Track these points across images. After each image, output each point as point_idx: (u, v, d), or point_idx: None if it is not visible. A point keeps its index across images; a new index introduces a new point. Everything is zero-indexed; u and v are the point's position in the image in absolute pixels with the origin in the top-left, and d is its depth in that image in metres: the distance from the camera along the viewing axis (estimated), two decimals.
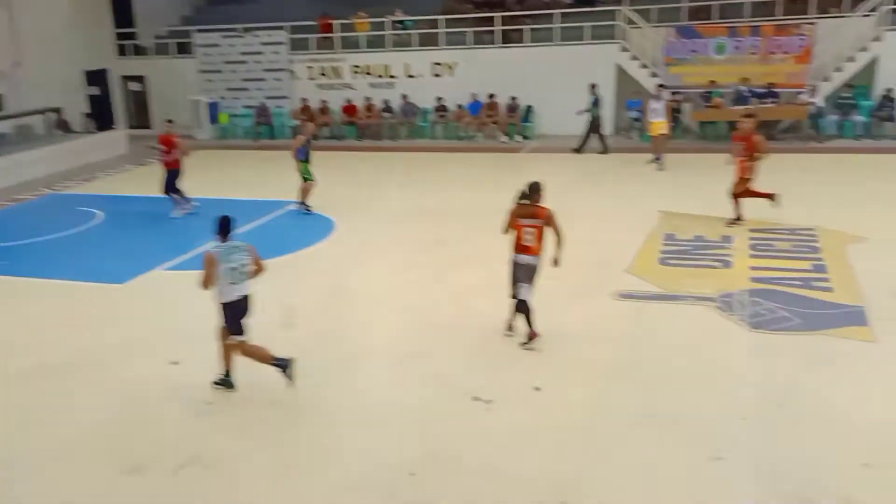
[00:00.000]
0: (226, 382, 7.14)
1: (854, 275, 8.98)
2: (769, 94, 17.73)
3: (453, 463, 5.85)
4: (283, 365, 6.98)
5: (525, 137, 19.66)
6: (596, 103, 17.47)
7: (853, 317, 7.88)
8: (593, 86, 17.52)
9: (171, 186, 13.63)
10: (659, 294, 8.86)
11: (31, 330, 8.74)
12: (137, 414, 6.85)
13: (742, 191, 11.08)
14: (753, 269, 9.42)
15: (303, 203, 13.37)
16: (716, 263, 9.69)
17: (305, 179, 13.26)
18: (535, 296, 8.39)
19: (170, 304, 9.33)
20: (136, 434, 6.51)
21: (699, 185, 14.04)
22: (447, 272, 9.84)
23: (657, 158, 15.63)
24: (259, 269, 7.04)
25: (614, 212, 12.58)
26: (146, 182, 17.00)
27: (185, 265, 10.80)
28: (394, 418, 6.57)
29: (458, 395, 6.80)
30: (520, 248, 7.56)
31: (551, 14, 20.01)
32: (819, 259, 9.61)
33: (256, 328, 8.47)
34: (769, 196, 11.09)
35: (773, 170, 14.77)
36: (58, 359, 7.95)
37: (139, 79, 23.73)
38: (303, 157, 13.12)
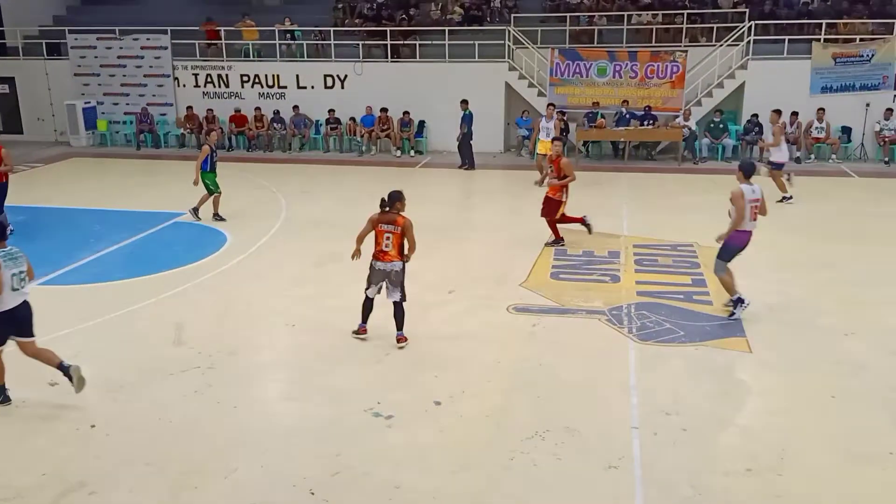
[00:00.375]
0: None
1: None
2: (647, 116, 18.68)
3: (355, 480, 5.79)
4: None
5: (418, 152, 19.81)
6: (467, 119, 17.80)
7: (731, 329, 8.39)
8: (464, 101, 17.91)
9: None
10: (552, 307, 9.12)
11: None
12: (15, 439, 6.41)
13: (558, 214, 11.35)
14: (639, 283, 9.86)
15: (195, 211, 13.08)
16: (605, 278, 10.09)
17: (210, 191, 12.96)
18: (434, 308, 8.51)
19: (43, 321, 8.72)
20: (13, 460, 6.08)
21: (586, 201, 14.54)
22: (342, 286, 9.72)
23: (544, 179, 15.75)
24: (31, 277, 6.91)
25: (508, 227, 12.87)
26: (17, 190, 15.95)
27: (62, 280, 10.23)
28: (293, 435, 6.45)
29: (358, 411, 6.75)
30: (378, 253, 7.94)
31: (441, 31, 20.31)
32: (699, 274, 10.18)
33: (144, 346, 8.14)
34: (581, 221, 11.42)
35: (653, 188, 15.64)
36: None
37: (8, 81, 22.21)
38: (207, 168, 12.81)
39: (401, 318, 8.08)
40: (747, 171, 8.58)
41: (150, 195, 15.41)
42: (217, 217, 13.03)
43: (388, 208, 7.86)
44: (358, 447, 6.22)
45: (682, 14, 20.26)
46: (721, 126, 18.61)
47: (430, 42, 20.40)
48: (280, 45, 20.88)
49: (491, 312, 8.99)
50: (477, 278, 10.19)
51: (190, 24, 21.20)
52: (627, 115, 18.70)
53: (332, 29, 21.03)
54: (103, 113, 21.56)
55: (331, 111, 20.08)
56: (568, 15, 20.78)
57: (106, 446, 6.27)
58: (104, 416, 6.72)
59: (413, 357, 7.91)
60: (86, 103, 21.27)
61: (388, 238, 7.82)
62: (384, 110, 19.65)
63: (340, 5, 22.55)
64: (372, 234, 8.02)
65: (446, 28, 20.38)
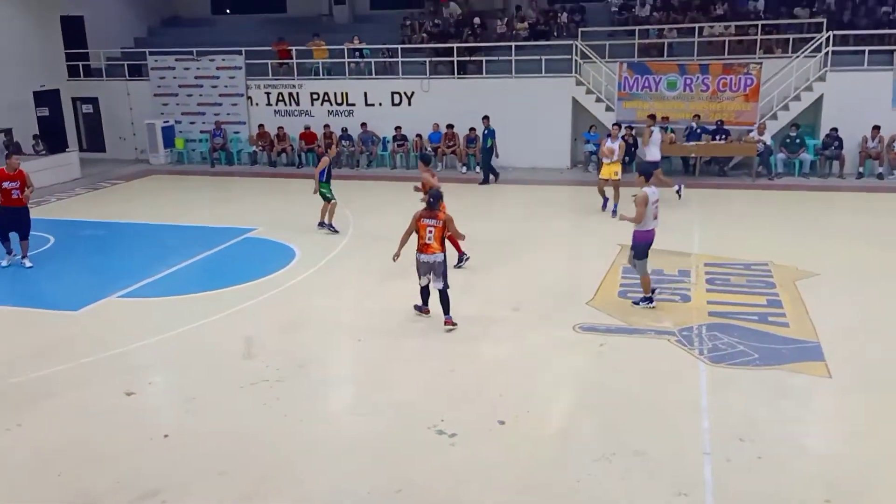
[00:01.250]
0: None
1: (807, 310, 9.20)
2: (719, 131, 18.23)
3: (418, 497, 5.79)
4: None
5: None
6: (491, 135, 17.91)
7: (809, 352, 8.06)
8: (486, 118, 17.96)
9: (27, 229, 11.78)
10: (620, 327, 8.94)
11: None
12: (91, 445, 6.63)
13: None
14: (711, 303, 9.56)
15: (328, 224, 13.59)
16: (674, 297, 9.82)
17: (327, 199, 13.55)
18: (499, 325, 8.47)
19: (125, 332, 9.09)
20: (90, 466, 6.29)
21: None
22: (409, 301, 9.78)
23: (607, 205, 14.52)
24: None
25: (574, 244, 12.72)
26: (99, 206, 16.67)
27: (140, 292, 10.58)
28: (357, 450, 6.49)
29: (422, 427, 6.74)
30: (421, 247, 8.74)
31: (507, 47, 20.32)
32: (774, 294, 9.81)
33: (215, 359, 8.34)
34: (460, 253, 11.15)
35: (725, 204, 15.25)
36: (8, 386, 7.68)
37: (92, 101, 23.24)
38: (323, 178, 13.43)
39: (446, 304, 8.83)
40: (647, 175, 9.28)
41: (223, 211, 15.85)
42: (323, 225, 13.56)
43: (435, 206, 8.70)
44: (422, 464, 6.22)
45: (756, 25, 19.75)
46: (798, 140, 17.99)
47: (496, 58, 20.44)
48: (349, 63, 21.24)
49: (557, 331, 8.87)
50: (542, 295, 10.08)
51: (263, 44, 21.79)
52: (699, 130, 18.26)
53: (399, 46, 21.29)
54: (181, 132, 22.29)
55: (397, 128, 20.28)
56: (637, 28, 20.50)
57: (178, 455, 6.43)
58: (177, 426, 6.90)
59: (477, 375, 7.87)
60: (164, 122, 22.03)
61: (430, 231, 8.66)
62: (450, 126, 19.74)
63: (408, 23, 22.82)
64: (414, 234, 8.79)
65: (512, 44, 20.37)
